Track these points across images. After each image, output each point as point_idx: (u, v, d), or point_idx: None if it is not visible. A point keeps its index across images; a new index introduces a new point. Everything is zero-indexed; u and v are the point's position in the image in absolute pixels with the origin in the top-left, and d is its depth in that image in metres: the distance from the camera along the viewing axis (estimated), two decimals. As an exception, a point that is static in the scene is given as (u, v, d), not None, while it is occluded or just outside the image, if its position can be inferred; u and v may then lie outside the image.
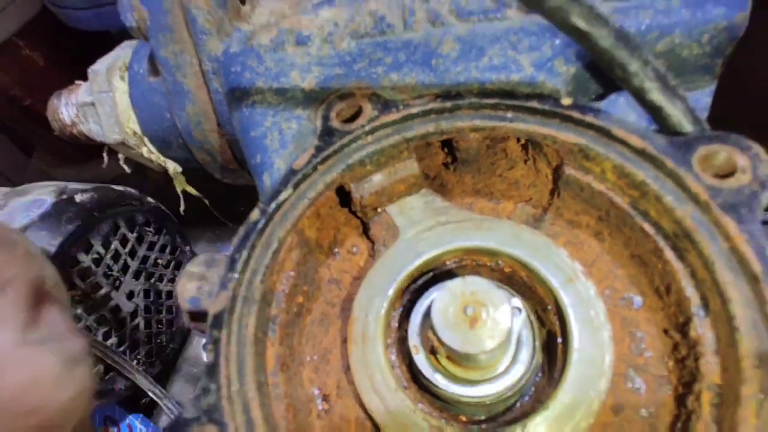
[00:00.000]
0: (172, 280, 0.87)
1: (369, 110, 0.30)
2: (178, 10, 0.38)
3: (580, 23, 0.23)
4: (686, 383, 0.23)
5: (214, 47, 0.38)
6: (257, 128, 0.33)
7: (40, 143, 1.56)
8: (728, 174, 0.23)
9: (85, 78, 0.52)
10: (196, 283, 0.30)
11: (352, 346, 0.28)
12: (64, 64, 1.24)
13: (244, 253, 0.27)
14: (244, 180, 0.50)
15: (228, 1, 0.37)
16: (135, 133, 0.47)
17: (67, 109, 0.51)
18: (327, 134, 0.29)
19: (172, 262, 0.86)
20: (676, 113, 0.25)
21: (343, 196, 0.31)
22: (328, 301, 0.31)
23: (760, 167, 0.23)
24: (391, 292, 0.28)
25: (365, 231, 0.32)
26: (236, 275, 0.27)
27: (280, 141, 0.32)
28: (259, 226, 0.27)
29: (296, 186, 0.28)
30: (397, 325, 0.29)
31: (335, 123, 0.30)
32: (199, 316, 0.31)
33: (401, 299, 0.30)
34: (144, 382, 0.71)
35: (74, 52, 1.22)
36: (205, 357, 0.25)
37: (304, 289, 0.30)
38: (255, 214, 0.28)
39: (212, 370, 0.24)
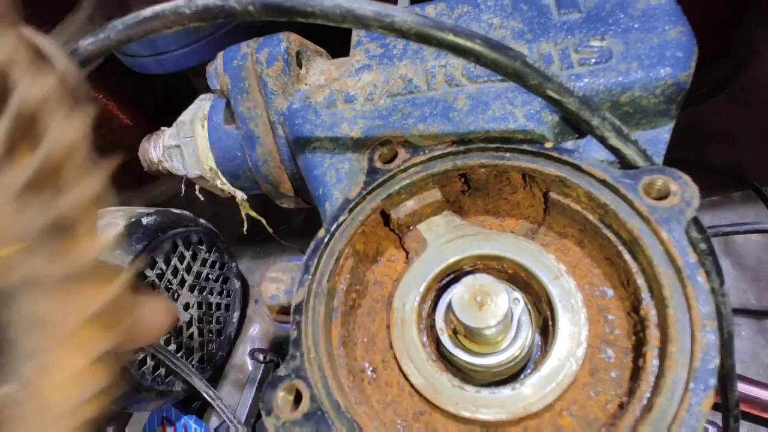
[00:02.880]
0: (221, 293, 0.97)
1: (403, 153, 0.40)
2: (253, 78, 0.49)
3: (554, 95, 0.33)
4: (638, 348, 0.32)
5: (280, 104, 0.49)
6: (319, 168, 0.44)
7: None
8: (664, 196, 0.32)
9: (147, 117, 0.63)
10: (275, 285, 0.41)
11: (393, 330, 0.37)
12: (125, 104, 1.40)
13: (315, 261, 0.37)
14: (296, 205, 0.61)
15: (291, 69, 0.49)
16: (211, 168, 0.59)
17: (156, 150, 0.63)
18: (372, 172, 0.40)
19: (221, 277, 0.95)
20: (630, 153, 0.35)
21: (385, 218, 0.41)
22: (374, 298, 0.41)
23: (687, 191, 0.31)
24: (422, 288, 0.38)
25: (401, 244, 0.42)
26: (309, 276, 0.37)
27: (337, 177, 0.43)
28: (325, 241, 0.38)
29: (350, 211, 0.39)
30: (426, 314, 0.39)
31: (378, 164, 0.40)
32: (276, 309, 0.41)
33: (430, 294, 0.39)
34: (200, 385, 0.80)
35: (135, 93, 1.39)
36: (291, 334, 0.35)
37: (357, 288, 0.40)
38: (322, 233, 0.38)
39: (297, 342, 0.34)
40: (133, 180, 1.59)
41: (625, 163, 0.35)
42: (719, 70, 1.02)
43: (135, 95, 1.40)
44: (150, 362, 0.79)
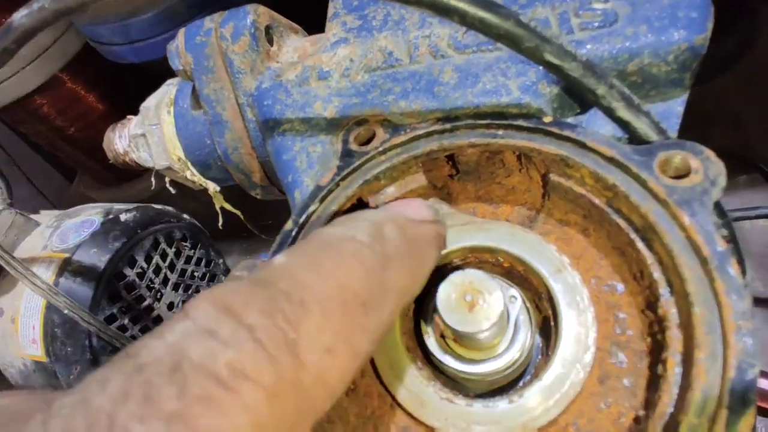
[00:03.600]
0: (208, 292, 0.94)
1: (381, 134, 0.35)
2: (217, 55, 0.44)
3: (553, 59, 0.28)
4: (657, 353, 0.27)
5: (248, 84, 0.44)
6: (288, 152, 0.39)
7: (80, 169, 1.66)
8: (684, 175, 0.27)
9: (125, 108, 0.59)
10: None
11: (374, 334, 0.33)
12: (103, 95, 1.35)
13: (282, 257, 0.32)
14: (273, 196, 0.56)
15: (260, 45, 0.44)
16: (180, 158, 0.54)
17: (121, 140, 0.58)
18: (347, 155, 0.35)
19: (207, 275, 0.92)
20: (641, 126, 0.30)
21: (362, 207, 0.36)
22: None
23: (711, 168, 0.27)
24: (405, 286, 0.33)
25: (382, 236, 0.37)
26: (276, 275, 0.32)
27: (308, 162, 0.38)
28: (293, 234, 0.33)
29: (322, 200, 0.34)
30: (411, 315, 0.34)
31: (353, 146, 0.35)
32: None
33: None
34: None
35: (113, 84, 1.33)
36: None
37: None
38: (289, 225, 0.33)
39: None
40: (116, 176, 1.54)
41: (635, 139, 0.31)
42: (724, 48, 0.98)
43: (113, 86, 1.35)
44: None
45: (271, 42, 0.46)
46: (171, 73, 1.23)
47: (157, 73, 1.23)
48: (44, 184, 1.58)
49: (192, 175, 0.54)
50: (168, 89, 0.55)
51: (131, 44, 1.03)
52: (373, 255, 0.20)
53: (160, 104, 0.54)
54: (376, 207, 0.35)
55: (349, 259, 0.20)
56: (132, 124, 0.58)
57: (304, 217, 0.33)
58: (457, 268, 0.34)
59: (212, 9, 0.91)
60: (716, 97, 0.99)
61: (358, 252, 0.20)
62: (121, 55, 1.06)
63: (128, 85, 1.18)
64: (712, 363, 0.23)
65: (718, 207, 0.28)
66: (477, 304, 0.28)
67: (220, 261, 0.95)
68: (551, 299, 0.31)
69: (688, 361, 0.24)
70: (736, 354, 0.22)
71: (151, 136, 0.54)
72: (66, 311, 0.63)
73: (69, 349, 0.73)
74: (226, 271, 0.94)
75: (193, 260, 0.87)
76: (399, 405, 0.30)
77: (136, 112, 0.59)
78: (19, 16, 0.35)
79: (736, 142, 0.95)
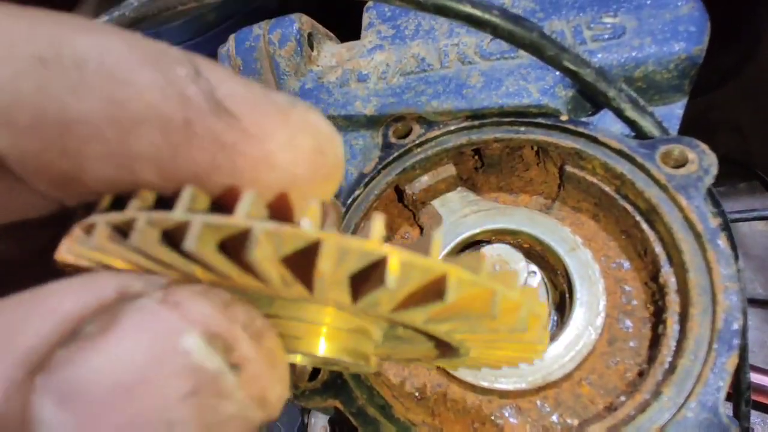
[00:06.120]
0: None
1: (417, 129, 0.40)
2: (264, 59, 0.50)
3: (571, 66, 0.33)
4: (658, 316, 0.32)
5: (292, 84, 0.49)
6: (333, 145, 0.44)
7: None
8: (681, 165, 0.32)
9: None
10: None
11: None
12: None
13: (331, 234, 0.37)
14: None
15: (303, 50, 0.49)
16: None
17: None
18: (387, 147, 0.40)
19: None
20: (646, 124, 0.35)
21: (399, 195, 0.41)
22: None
23: (705, 159, 0.32)
24: (437, 262, 0.38)
25: (415, 220, 0.42)
26: (326, 250, 0.37)
27: (351, 153, 0.43)
28: (341, 213, 0.38)
29: (366, 185, 0.39)
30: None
31: (392, 139, 0.40)
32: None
33: (445, 269, 0.39)
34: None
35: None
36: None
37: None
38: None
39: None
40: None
41: (641, 135, 0.35)
42: (727, 60, 1.02)
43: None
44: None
45: (312, 47, 0.51)
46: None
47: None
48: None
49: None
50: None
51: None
52: None
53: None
54: (412, 193, 0.40)
55: None
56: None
57: (350, 200, 0.38)
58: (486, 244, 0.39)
59: (235, 19, 0.97)
60: (720, 108, 1.04)
61: None
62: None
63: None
64: (703, 317, 0.27)
65: (712, 197, 0.33)
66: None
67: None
68: (566, 274, 0.36)
69: (684, 318, 0.29)
70: (723, 309, 0.27)
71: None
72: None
73: None
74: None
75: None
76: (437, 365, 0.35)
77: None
78: (100, 22, 0.40)
79: (738, 150, 1.00)
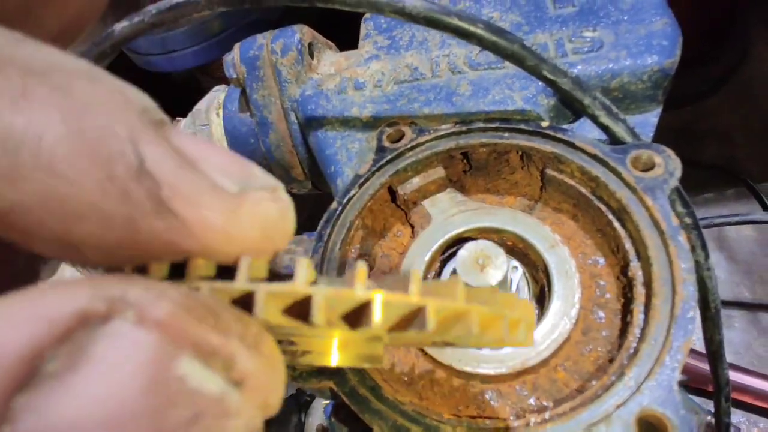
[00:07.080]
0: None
1: (409, 134, 0.43)
2: (267, 67, 0.53)
3: (549, 75, 0.36)
4: (627, 307, 0.34)
5: (293, 91, 0.52)
6: (330, 148, 0.47)
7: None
8: (649, 168, 0.35)
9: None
10: (288, 255, 0.44)
11: (400, 296, 0.40)
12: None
13: (328, 230, 0.40)
14: (306, 190, 0.64)
15: (304, 59, 0.52)
16: (225, 155, 0.62)
17: (171, 139, 0.66)
18: (381, 151, 0.43)
19: None
20: (619, 130, 0.38)
21: (392, 195, 0.44)
22: (382, 270, 0.43)
23: (670, 163, 0.34)
24: (427, 258, 0.41)
25: (407, 219, 0.45)
26: (322, 244, 0.40)
27: (347, 156, 0.46)
28: (337, 212, 0.41)
29: (361, 185, 0.42)
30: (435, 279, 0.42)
31: (386, 143, 0.43)
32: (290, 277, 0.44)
33: (434, 265, 0.42)
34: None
35: (144, 91, 1.42)
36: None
37: (366, 259, 0.42)
38: (334, 205, 0.41)
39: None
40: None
41: (614, 140, 0.38)
42: (715, 69, 1.06)
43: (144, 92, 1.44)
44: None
45: (312, 56, 0.54)
46: (198, 82, 1.33)
47: (186, 82, 1.32)
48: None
49: (235, 170, 0.62)
50: (216, 94, 0.63)
51: (166, 54, 1.12)
52: None
53: (210, 107, 0.62)
54: (403, 194, 0.43)
55: None
56: (182, 125, 0.66)
57: (346, 198, 0.41)
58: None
59: (240, 26, 1.00)
60: (708, 116, 1.08)
61: None
62: (156, 64, 1.15)
63: (159, 93, 1.27)
64: (664, 306, 0.30)
65: (682, 198, 0.36)
66: (487, 266, 0.35)
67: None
68: (546, 269, 0.39)
69: (648, 307, 0.32)
70: (681, 299, 0.29)
71: (201, 135, 0.62)
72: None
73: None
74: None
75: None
76: (422, 351, 0.37)
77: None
78: (120, 27, 0.43)
79: (726, 158, 1.03)
